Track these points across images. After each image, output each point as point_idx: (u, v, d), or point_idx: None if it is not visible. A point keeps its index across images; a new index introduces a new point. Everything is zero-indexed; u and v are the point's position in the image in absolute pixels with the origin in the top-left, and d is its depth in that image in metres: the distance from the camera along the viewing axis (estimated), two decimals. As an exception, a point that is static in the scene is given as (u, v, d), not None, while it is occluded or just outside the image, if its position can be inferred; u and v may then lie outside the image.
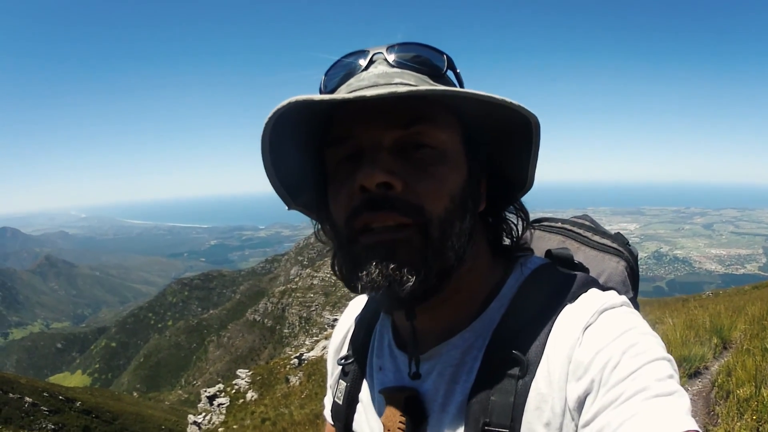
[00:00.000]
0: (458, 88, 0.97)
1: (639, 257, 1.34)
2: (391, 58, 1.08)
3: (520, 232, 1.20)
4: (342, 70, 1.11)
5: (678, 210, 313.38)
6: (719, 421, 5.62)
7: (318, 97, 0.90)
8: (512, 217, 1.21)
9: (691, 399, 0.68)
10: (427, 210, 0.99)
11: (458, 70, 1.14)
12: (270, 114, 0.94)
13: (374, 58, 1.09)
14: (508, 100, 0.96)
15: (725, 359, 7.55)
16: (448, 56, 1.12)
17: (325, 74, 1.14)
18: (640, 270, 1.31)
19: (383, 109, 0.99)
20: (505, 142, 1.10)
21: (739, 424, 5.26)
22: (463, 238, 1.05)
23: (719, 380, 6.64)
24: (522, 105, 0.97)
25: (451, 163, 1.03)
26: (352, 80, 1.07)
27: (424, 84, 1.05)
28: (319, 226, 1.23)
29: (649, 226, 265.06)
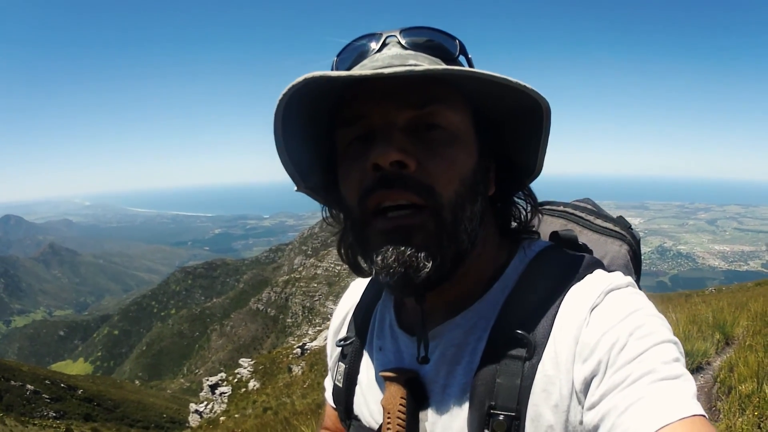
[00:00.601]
0: (474, 69, 0.95)
1: (643, 252, 1.32)
2: (404, 41, 1.08)
3: (528, 217, 1.19)
4: (354, 52, 1.11)
5: (682, 205, 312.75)
6: (721, 416, 5.63)
7: (334, 73, 0.90)
8: (520, 202, 1.21)
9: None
10: (438, 192, 0.98)
11: (470, 56, 1.14)
12: (284, 90, 0.93)
13: (387, 40, 1.09)
14: (522, 83, 0.95)
15: (727, 355, 7.59)
16: (460, 41, 1.12)
17: (337, 56, 1.14)
18: (644, 264, 1.30)
19: (397, 89, 0.98)
20: (514, 127, 1.09)
21: (740, 420, 5.27)
22: (474, 222, 1.05)
23: (721, 376, 6.66)
24: (535, 89, 0.96)
25: (462, 146, 1.03)
26: (365, 61, 1.07)
27: (439, 66, 1.02)
28: (327, 210, 1.23)
29: (653, 220, 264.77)
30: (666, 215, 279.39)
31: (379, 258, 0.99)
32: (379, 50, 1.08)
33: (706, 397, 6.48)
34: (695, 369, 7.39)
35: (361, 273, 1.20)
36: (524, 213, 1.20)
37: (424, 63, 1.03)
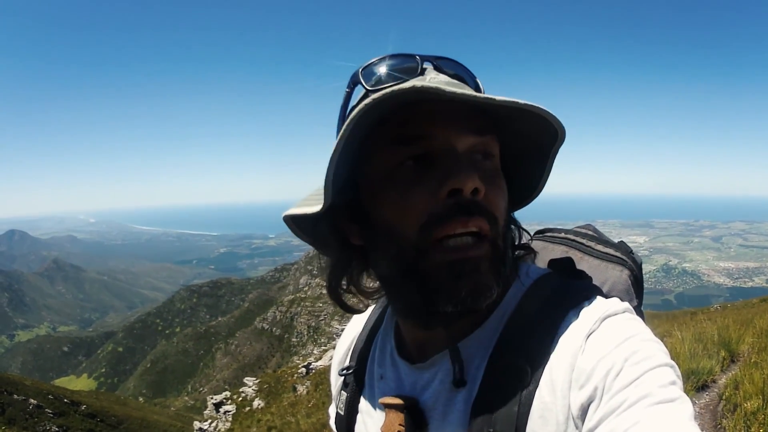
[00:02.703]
0: (538, 105, 0.96)
1: (648, 270, 1.26)
2: (443, 71, 1.07)
3: (520, 239, 1.19)
4: (390, 69, 1.05)
5: (687, 223, 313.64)
6: (726, 434, 5.64)
7: (444, 87, 0.89)
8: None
9: (698, 412, 0.75)
10: (498, 221, 1.00)
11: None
12: (377, 95, 0.90)
13: (424, 65, 1.06)
14: (560, 122, 0.99)
15: (733, 372, 7.57)
16: (477, 80, 1.12)
17: (369, 69, 1.07)
18: (649, 283, 1.17)
19: (460, 114, 0.98)
20: (525, 153, 1.12)
21: (745, 437, 5.27)
22: (510, 249, 1.08)
23: (727, 393, 6.65)
24: (564, 128, 0.99)
25: (502, 176, 1.05)
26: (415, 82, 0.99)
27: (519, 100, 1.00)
28: (319, 241, 1.22)
29: (658, 239, 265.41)
30: (671, 233, 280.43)
31: (451, 291, 0.98)
32: (421, 74, 1.04)
33: (712, 414, 6.49)
34: (701, 387, 7.41)
35: (349, 310, 1.22)
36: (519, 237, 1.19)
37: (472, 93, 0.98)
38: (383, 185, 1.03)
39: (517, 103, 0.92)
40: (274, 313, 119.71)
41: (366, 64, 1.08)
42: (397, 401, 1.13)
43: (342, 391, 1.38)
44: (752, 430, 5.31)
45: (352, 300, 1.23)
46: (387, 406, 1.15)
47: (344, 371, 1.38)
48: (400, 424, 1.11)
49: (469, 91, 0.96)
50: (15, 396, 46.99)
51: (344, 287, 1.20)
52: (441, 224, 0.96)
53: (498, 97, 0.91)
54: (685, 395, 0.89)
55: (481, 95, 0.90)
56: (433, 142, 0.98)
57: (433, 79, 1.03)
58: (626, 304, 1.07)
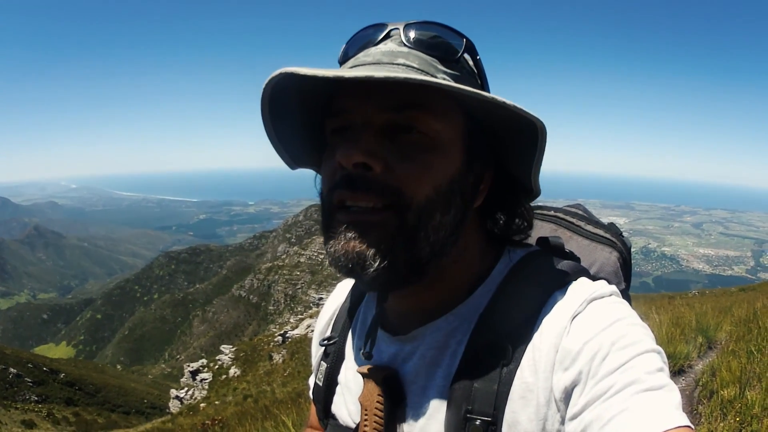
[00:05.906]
0: (444, 83, 0.90)
1: None
2: (407, 35, 1.04)
3: (518, 227, 1.17)
4: (359, 42, 1.09)
5: (668, 207, 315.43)
6: (702, 420, 5.63)
7: (302, 70, 0.87)
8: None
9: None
10: (406, 194, 0.96)
11: (478, 56, 1.10)
12: (265, 81, 0.94)
13: (391, 33, 1.06)
14: (500, 99, 0.92)
15: (710, 359, 7.59)
16: (468, 40, 1.07)
17: (346, 43, 1.12)
18: None
19: (379, 89, 0.96)
20: (511, 139, 1.06)
21: (722, 424, 5.27)
22: (442, 232, 1.01)
23: (703, 380, 6.66)
24: (520, 107, 0.93)
25: (441, 153, 1.00)
26: (360, 54, 1.05)
27: (431, 68, 1.00)
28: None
29: (638, 221, 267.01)
30: (651, 216, 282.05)
31: (332, 249, 0.99)
32: (379, 43, 1.05)
33: (688, 400, 6.48)
34: (677, 371, 7.41)
35: None
36: (517, 224, 1.17)
37: (414, 63, 0.99)
38: (326, 151, 1.07)
39: (413, 79, 0.87)
40: (252, 280, 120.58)
41: (352, 36, 1.11)
42: (376, 372, 1.12)
43: (322, 362, 1.37)
44: (728, 417, 5.29)
45: None
46: (365, 376, 1.14)
47: (325, 342, 1.36)
48: (378, 395, 1.10)
49: (388, 63, 0.99)
50: (-5, 365, 47.01)
51: None
52: (334, 192, 0.99)
53: (401, 75, 0.87)
54: (672, 382, 0.87)
55: (364, 74, 0.86)
56: (353, 116, 0.99)
57: (378, 50, 1.02)
58: (613, 287, 1.06)
